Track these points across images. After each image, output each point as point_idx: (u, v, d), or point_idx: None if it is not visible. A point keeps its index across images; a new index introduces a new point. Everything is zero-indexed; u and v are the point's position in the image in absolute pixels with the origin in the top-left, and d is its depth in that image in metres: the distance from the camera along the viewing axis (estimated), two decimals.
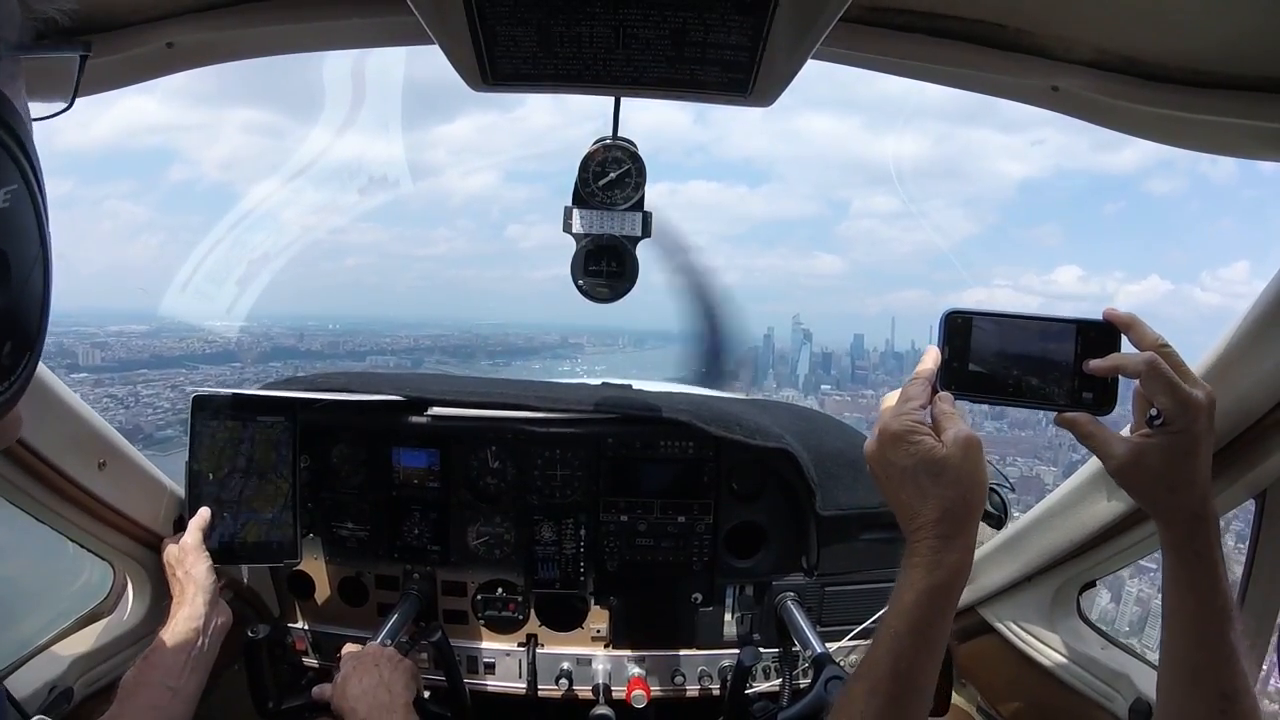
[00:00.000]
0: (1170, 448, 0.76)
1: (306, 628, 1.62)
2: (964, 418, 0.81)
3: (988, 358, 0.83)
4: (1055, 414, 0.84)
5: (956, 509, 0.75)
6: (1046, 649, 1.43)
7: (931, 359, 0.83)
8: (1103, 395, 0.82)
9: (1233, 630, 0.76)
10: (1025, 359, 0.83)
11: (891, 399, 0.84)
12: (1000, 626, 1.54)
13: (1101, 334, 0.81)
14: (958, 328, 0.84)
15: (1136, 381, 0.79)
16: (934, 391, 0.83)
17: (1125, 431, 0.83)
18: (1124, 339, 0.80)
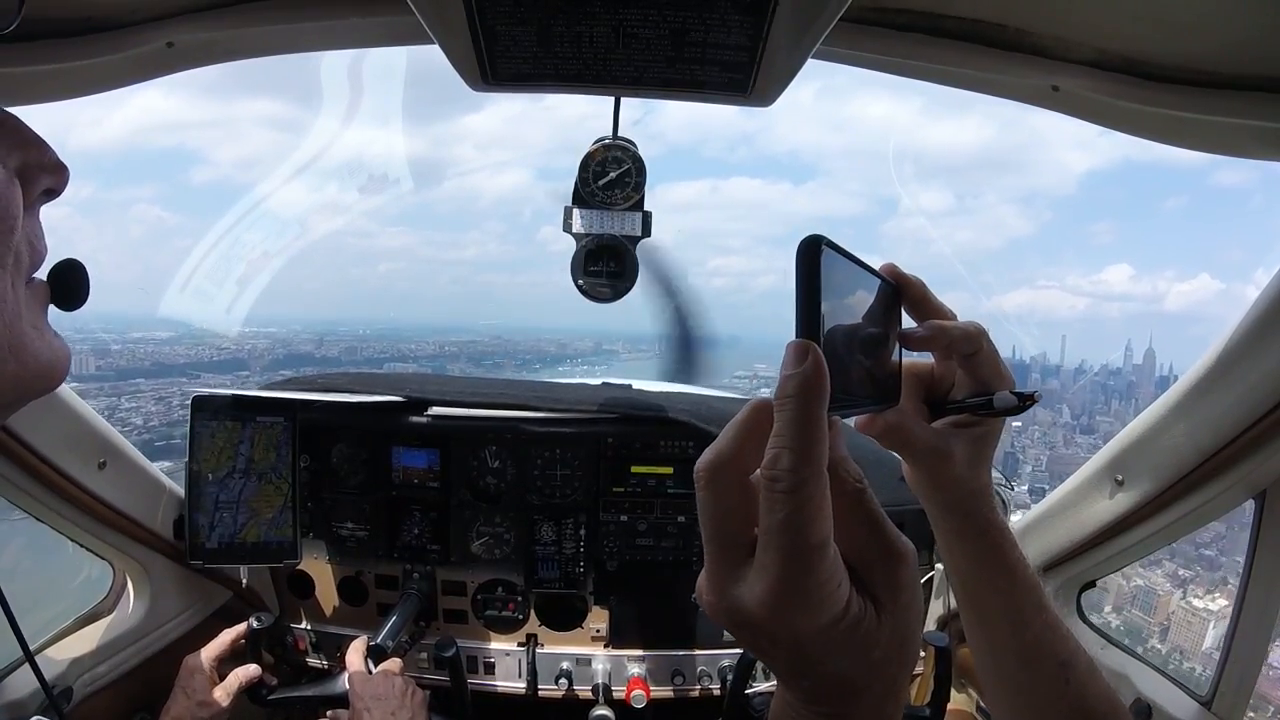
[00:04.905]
0: (993, 431, 0.64)
1: (308, 628, 1.63)
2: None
3: (845, 336, 0.46)
4: (869, 415, 0.59)
5: (899, 683, 0.46)
6: None
7: (821, 394, 0.38)
8: (896, 380, 0.58)
9: (1045, 596, 0.66)
10: (864, 337, 0.50)
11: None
12: None
13: (889, 297, 0.56)
14: (831, 284, 0.41)
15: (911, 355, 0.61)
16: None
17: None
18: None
